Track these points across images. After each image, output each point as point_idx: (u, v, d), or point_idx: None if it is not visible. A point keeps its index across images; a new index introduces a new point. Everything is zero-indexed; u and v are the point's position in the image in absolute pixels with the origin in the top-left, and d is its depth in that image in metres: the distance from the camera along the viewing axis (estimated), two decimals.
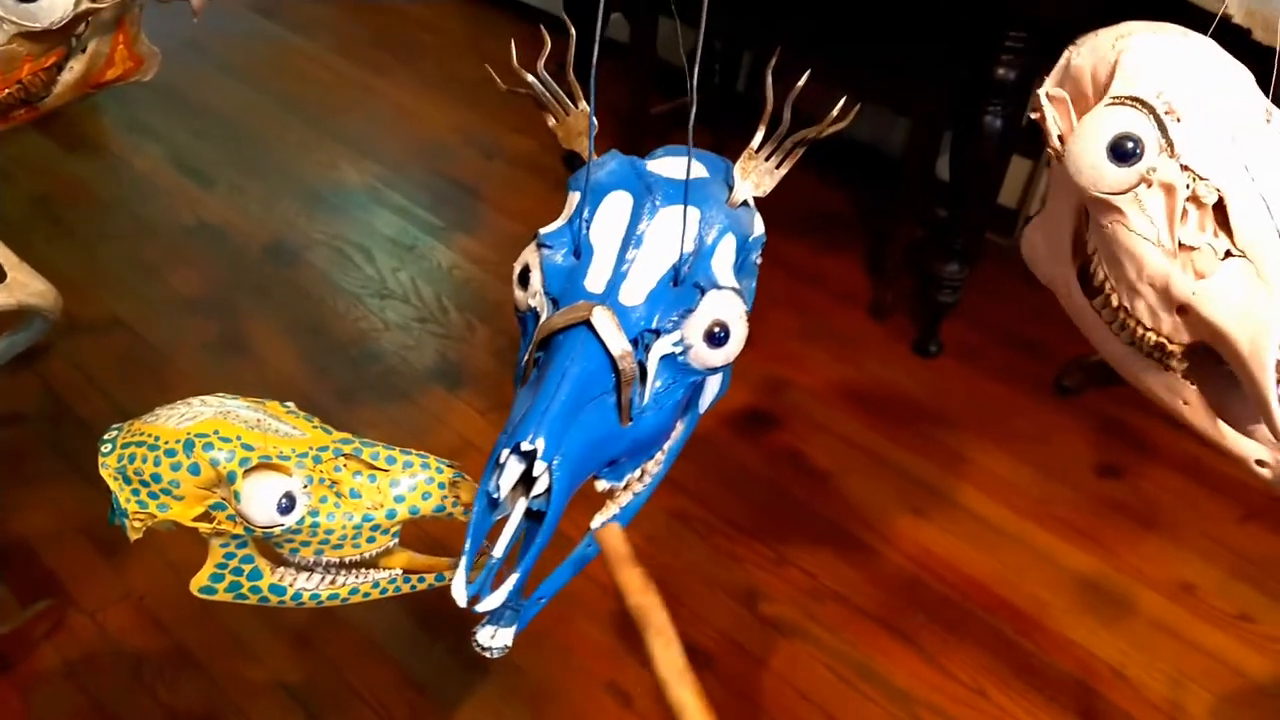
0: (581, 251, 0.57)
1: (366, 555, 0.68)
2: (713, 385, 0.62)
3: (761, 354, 1.90)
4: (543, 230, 0.59)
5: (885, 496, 1.62)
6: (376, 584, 0.71)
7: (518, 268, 0.59)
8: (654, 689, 1.37)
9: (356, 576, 0.70)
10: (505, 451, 0.51)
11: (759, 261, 0.64)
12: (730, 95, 2.54)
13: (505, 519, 0.53)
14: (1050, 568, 1.53)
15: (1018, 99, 1.67)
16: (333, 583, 0.70)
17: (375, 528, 0.67)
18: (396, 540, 0.69)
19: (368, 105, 2.61)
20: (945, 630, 1.43)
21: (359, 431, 0.70)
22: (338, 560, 0.68)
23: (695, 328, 0.56)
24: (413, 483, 0.68)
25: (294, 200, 2.23)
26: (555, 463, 0.51)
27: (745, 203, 0.62)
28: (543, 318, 0.57)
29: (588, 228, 0.57)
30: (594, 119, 0.63)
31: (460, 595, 0.51)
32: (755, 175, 0.62)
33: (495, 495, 0.51)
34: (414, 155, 2.41)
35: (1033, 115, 0.63)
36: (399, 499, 0.67)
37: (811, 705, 1.32)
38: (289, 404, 0.74)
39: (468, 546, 0.52)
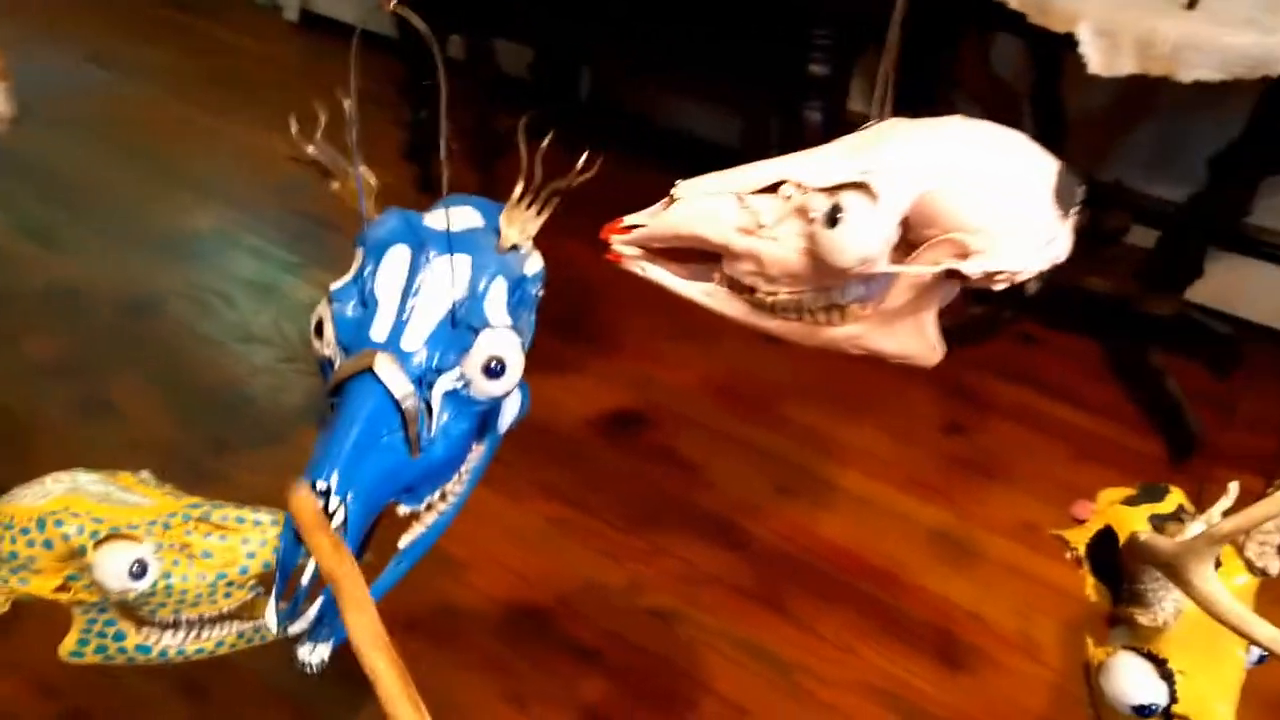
0: (367, 303, 0.64)
1: (226, 610, 0.73)
2: (509, 408, 0.69)
3: (628, 357, 1.98)
4: (333, 285, 0.65)
5: (752, 479, 1.71)
6: (241, 634, 0.76)
7: (313, 321, 0.66)
8: (551, 695, 1.44)
9: (221, 629, 0.75)
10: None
11: (539, 294, 0.71)
12: (574, 104, 2.61)
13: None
14: (906, 526, 1.64)
15: (832, 93, 1.78)
16: (198, 637, 0.75)
17: (230, 584, 0.72)
18: (258, 592, 0.74)
19: (212, 147, 2.60)
20: (815, 597, 1.53)
21: (235, 479, 0.74)
22: (198, 617, 0.73)
23: (473, 364, 0.64)
24: (263, 539, 0.73)
25: (146, 252, 2.22)
26: (349, 498, 0.57)
27: (515, 246, 0.69)
28: (336, 366, 0.63)
29: (372, 281, 0.64)
30: (368, 181, 0.69)
31: (271, 622, 0.57)
32: (519, 223, 0.69)
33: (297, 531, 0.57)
34: (265, 194, 2.41)
35: None
36: (250, 555, 0.72)
37: (696, 684, 1.41)
38: (142, 473, 0.78)
39: (277, 579, 0.58)
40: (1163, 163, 1.88)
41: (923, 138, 0.73)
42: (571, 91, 2.61)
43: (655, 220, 0.82)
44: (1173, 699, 0.70)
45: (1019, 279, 0.69)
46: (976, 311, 1.94)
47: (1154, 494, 0.72)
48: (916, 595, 1.54)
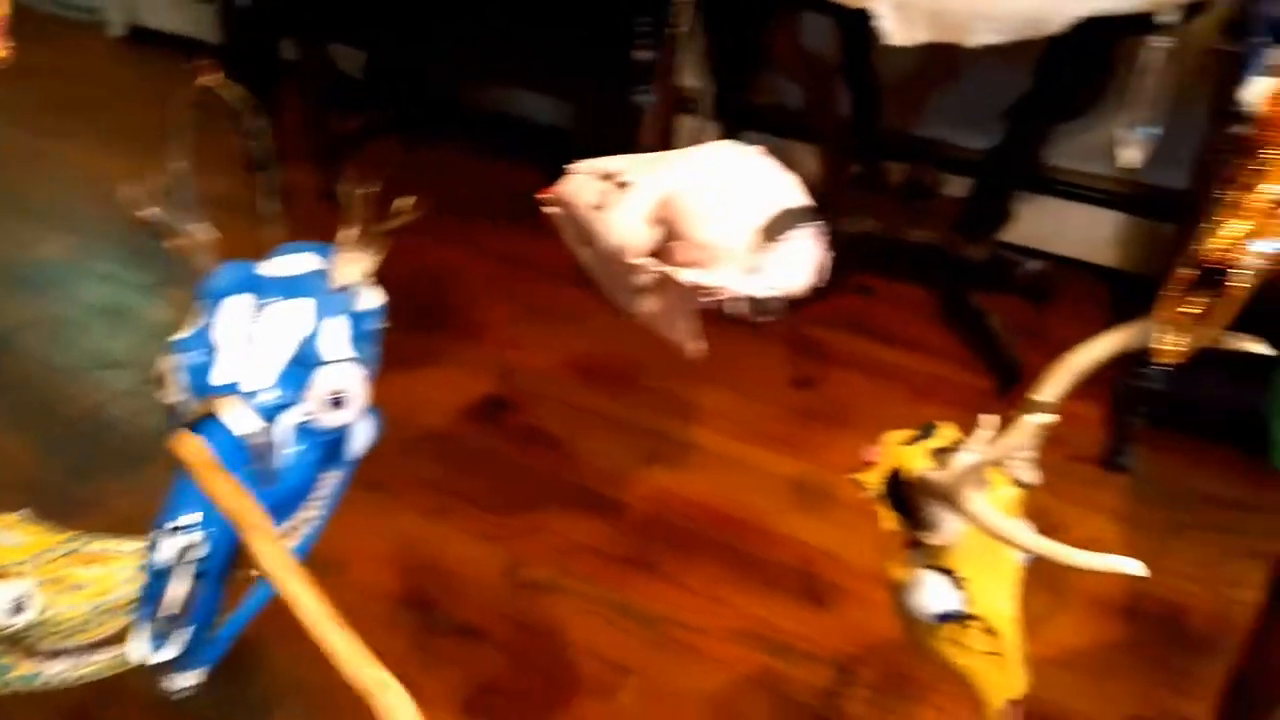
0: (210, 350, 0.69)
1: (106, 635, 0.78)
2: (359, 434, 0.76)
3: (489, 344, 2.04)
4: (177, 337, 0.71)
5: (619, 451, 1.80)
6: (121, 658, 0.81)
7: (160, 373, 0.71)
8: (440, 679, 1.50)
9: (104, 653, 0.80)
10: (166, 527, 0.63)
11: (379, 327, 0.78)
12: (415, 101, 2.64)
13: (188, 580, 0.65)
14: (764, 478, 1.76)
15: (660, 76, 1.86)
16: (81, 663, 0.79)
17: (107, 611, 0.77)
18: (135, 617, 0.79)
19: (52, 173, 2.55)
20: (684, 554, 1.63)
21: (105, 504, 0.78)
22: (80, 644, 0.78)
23: (316, 398, 0.70)
24: (135, 566, 0.78)
25: None
26: (212, 532, 0.63)
27: (351, 285, 0.75)
28: (183, 412, 0.69)
29: (213, 330, 0.70)
30: (205, 237, 0.75)
31: (137, 653, 0.63)
32: (352, 264, 0.75)
33: (162, 567, 0.63)
34: (111, 217, 2.38)
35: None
36: (126, 582, 0.77)
37: (579, 650, 1.49)
38: (22, 512, 0.82)
39: (142, 611, 0.64)
40: (969, 117, 2.03)
41: (688, 157, 0.84)
42: (412, 88, 2.64)
43: (557, 188, 0.99)
44: (966, 603, 0.82)
45: (725, 296, 0.81)
46: None
47: (929, 431, 0.83)
48: (778, 542, 1.65)
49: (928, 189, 1.95)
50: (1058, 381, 0.77)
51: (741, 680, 1.47)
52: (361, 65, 2.55)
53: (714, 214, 0.78)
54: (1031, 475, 0.82)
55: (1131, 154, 1.09)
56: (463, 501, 1.71)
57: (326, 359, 0.70)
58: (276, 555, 0.58)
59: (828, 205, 2.03)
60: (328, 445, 0.73)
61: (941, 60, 1.99)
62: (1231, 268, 0.60)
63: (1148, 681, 1.42)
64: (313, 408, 0.70)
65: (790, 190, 0.87)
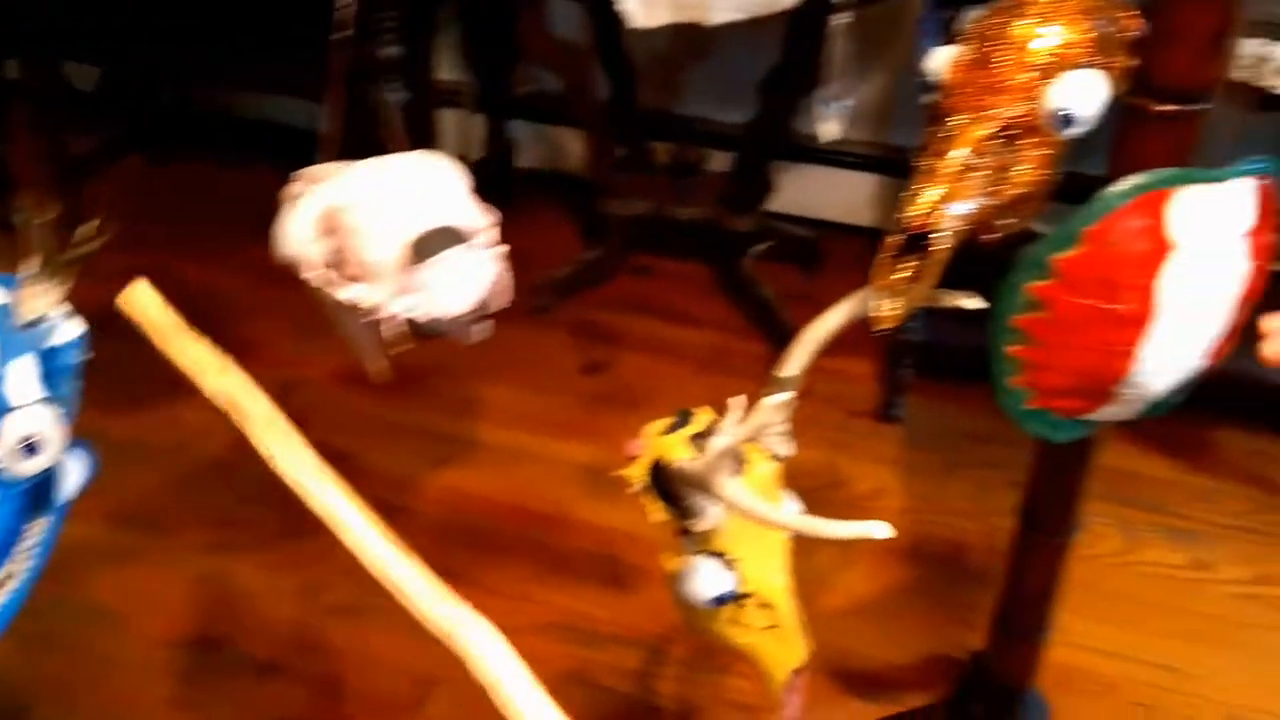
0: None
1: None
2: (68, 476, 0.70)
3: (264, 363, 1.93)
4: None
5: (407, 458, 1.76)
6: None
7: None
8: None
9: None
10: None
11: (80, 359, 0.72)
12: (154, 112, 2.49)
13: None
14: (560, 469, 1.75)
15: (410, 71, 1.82)
16: None
17: None
18: None
19: None
20: (485, 555, 1.61)
21: None
22: None
23: (5, 447, 0.64)
24: None
25: None
26: None
27: (41, 319, 0.70)
28: None
29: None
30: None
31: None
32: (38, 297, 0.69)
33: None
34: None
35: None
36: None
37: (383, 668, 1.45)
38: None
39: None
40: (726, 93, 2.07)
41: (370, 167, 0.83)
42: (150, 99, 2.48)
43: None
44: (739, 583, 0.83)
45: (383, 314, 0.80)
46: (591, 256, 2.07)
47: (686, 418, 0.84)
48: (577, 531, 1.66)
49: (693, 166, 1.98)
50: (798, 357, 0.80)
51: (554, 675, 1.44)
52: (95, 81, 2.38)
53: (373, 229, 0.77)
54: (787, 447, 0.84)
55: (830, 127, 1.14)
56: (250, 532, 1.63)
57: (14, 404, 0.64)
58: (298, 458, 0.49)
59: (598, 189, 2.06)
60: (29, 493, 0.67)
61: (694, 38, 2.03)
62: (932, 232, 0.63)
63: (937, 619, 1.50)
64: (3, 458, 0.64)
65: (458, 208, 0.85)
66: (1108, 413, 0.78)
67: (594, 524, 1.67)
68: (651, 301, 2.10)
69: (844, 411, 1.83)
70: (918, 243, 0.64)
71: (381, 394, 1.89)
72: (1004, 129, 0.64)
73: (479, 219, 0.92)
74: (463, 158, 2.39)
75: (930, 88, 0.67)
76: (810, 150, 2.09)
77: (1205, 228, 0.68)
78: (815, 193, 2.17)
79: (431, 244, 0.78)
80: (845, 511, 1.86)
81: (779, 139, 1.94)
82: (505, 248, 0.98)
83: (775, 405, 0.80)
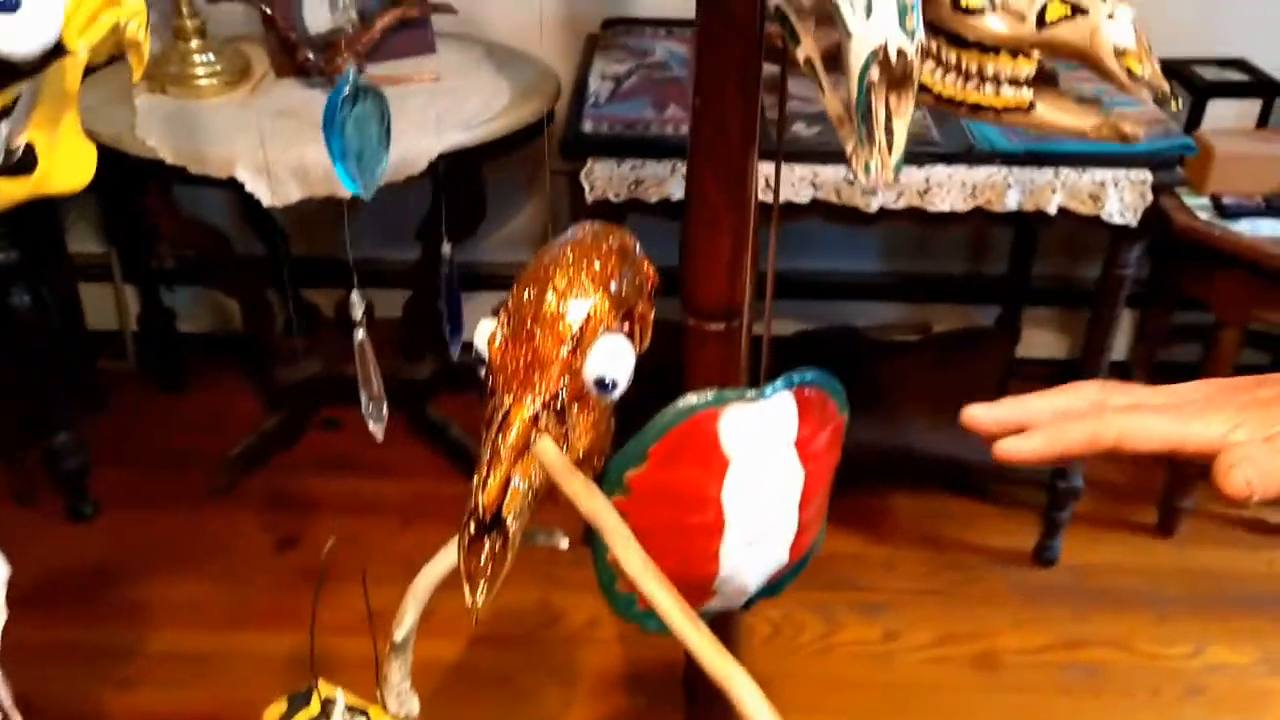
0: None
1: None
2: None
3: None
4: None
5: (86, 685, 1.61)
6: None
7: None
8: None
9: None
10: None
11: None
12: None
13: None
14: (260, 663, 1.64)
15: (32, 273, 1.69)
16: None
17: None
18: None
19: None
20: None
21: None
22: None
23: None
24: None
25: None
26: None
27: None
28: None
29: None
30: None
31: None
32: None
33: None
34: None
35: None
36: None
37: None
38: None
39: None
40: (391, 235, 2.05)
41: None
42: None
43: None
44: None
45: None
46: (269, 424, 1.99)
47: (299, 701, 0.81)
48: None
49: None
50: (409, 615, 0.79)
51: None
52: None
53: None
54: (411, 704, 0.83)
55: (377, 429, 1.15)
56: None
57: None
58: (639, 561, 0.60)
59: (267, 354, 1.98)
60: None
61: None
62: (505, 513, 0.64)
63: None
64: None
65: None
66: (714, 604, 0.82)
67: None
68: (345, 458, 2.03)
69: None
70: (494, 524, 0.65)
71: (55, 614, 1.73)
72: (550, 403, 0.65)
73: None
74: (119, 331, 2.25)
75: (479, 363, 0.68)
76: (493, 277, 2.11)
77: (754, 441, 0.73)
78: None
79: None
80: (564, 647, 1.86)
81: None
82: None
83: (396, 666, 0.79)
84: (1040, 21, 0.63)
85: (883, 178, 0.53)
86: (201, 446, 2.01)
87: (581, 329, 0.65)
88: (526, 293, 0.66)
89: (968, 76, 0.66)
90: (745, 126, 0.70)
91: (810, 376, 0.74)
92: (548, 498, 0.70)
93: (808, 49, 0.56)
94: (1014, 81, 0.65)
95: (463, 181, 1.74)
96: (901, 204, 1.49)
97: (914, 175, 1.48)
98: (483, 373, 0.68)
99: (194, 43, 1.65)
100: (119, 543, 1.86)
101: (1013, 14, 0.64)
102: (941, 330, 2.18)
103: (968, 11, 0.64)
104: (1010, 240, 2.08)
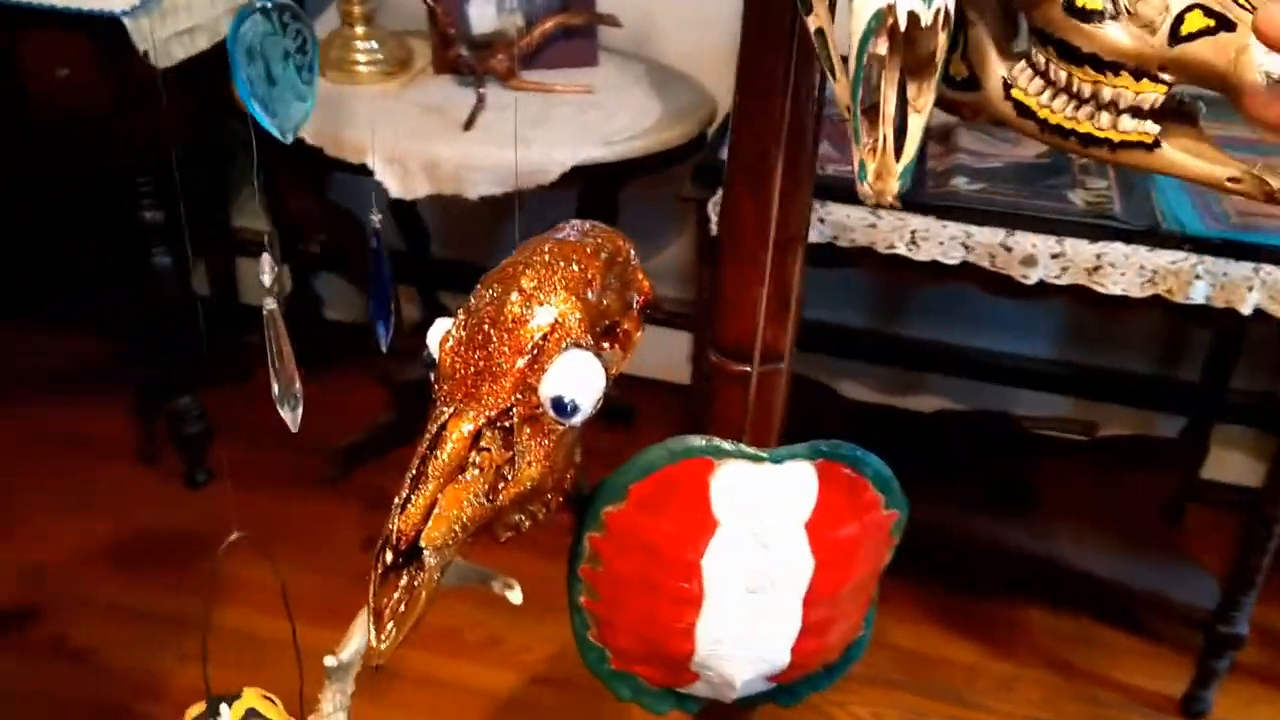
0: None
1: None
2: None
3: (17, 542, 1.79)
4: None
5: (152, 654, 1.60)
6: None
7: None
8: None
9: None
10: None
11: None
12: None
13: None
14: (317, 662, 1.60)
15: (177, 237, 1.73)
16: None
17: None
18: None
19: None
20: None
21: None
22: None
23: None
24: None
25: None
26: None
27: None
28: None
29: None
30: None
31: None
32: None
33: None
34: None
35: None
36: None
37: None
38: None
39: None
40: None
41: None
42: None
43: None
44: None
45: None
46: (385, 420, 1.97)
47: (230, 700, 0.74)
48: None
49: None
50: (355, 636, 0.71)
51: None
52: None
53: None
54: None
55: (291, 416, 1.05)
56: None
57: None
58: None
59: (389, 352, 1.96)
60: None
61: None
62: (425, 544, 0.54)
63: None
64: None
65: None
66: (700, 689, 0.69)
67: None
68: None
69: None
70: (410, 556, 0.55)
71: (139, 577, 1.74)
72: (498, 420, 0.55)
73: None
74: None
75: (429, 366, 0.59)
76: None
77: (752, 509, 0.60)
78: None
79: None
80: None
81: None
82: None
83: (331, 694, 0.70)
84: (1174, 35, 0.48)
85: (881, 187, 0.40)
86: (325, 434, 2.00)
87: (544, 338, 0.54)
88: (490, 291, 0.57)
89: (1080, 100, 0.52)
90: (790, 153, 0.59)
91: (845, 451, 0.61)
92: (553, 495, 0.61)
93: (820, 18, 0.44)
94: (1136, 111, 0.51)
95: (598, 198, 1.67)
96: (1065, 280, 1.31)
97: (1083, 249, 1.30)
98: (432, 378, 0.59)
99: (359, 29, 1.65)
100: (220, 514, 1.86)
101: (1141, 23, 0.50)
102: (1112, 434, 1.94)
103: (1085, 14, 0.50)
104: (1209, 343, 1.83)
